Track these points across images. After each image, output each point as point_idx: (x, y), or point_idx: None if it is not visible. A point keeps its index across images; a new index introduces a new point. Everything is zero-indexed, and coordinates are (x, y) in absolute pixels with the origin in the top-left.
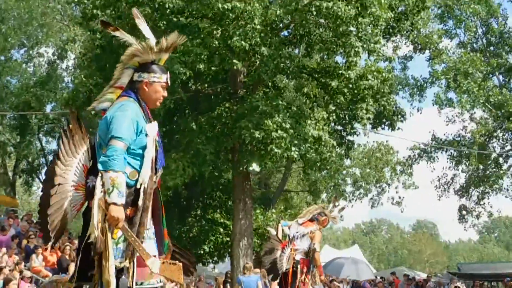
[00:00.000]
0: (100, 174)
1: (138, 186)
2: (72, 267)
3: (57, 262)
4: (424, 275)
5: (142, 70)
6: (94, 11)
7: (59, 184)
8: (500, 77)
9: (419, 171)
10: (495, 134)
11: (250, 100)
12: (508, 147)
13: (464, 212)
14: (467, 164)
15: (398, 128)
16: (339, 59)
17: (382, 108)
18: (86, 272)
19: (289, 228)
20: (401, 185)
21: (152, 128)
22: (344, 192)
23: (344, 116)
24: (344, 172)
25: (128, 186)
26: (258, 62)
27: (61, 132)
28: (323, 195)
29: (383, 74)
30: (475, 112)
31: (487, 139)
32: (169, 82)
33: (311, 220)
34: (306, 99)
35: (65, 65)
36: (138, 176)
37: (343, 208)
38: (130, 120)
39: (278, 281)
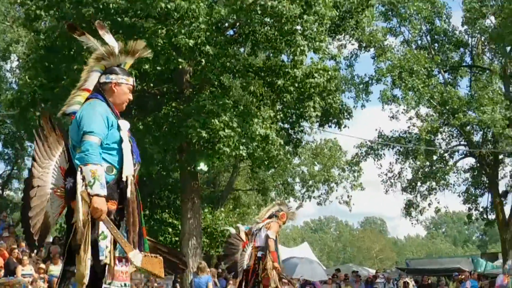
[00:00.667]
0: (79, 169)
1: (124, 179)
2: (19, 270)
3: (4, 265)
4: (373, 271)
5: (109, 73)
6: (38, 11)
7: (38, 186)
8: (445, 74)
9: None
10: (440, 130)
11: (196, 99)
12: (454, 143)
13: (410, 208)
14: (413, 160)
15: (345, 126)
16: (285, 57)
17: (329, 106)
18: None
19: (250, 229)
20: (349, 185)
21: (125, 123)
22: (293, 190)
23: (291, 114)
24: (293, 170)
25: (106, 181)
26: (204, 61)
27: (34, 133)
28: (272, 193)
29: (329, 72)
30: (420, 109)
31: (433, 136)
32: (134, 84)
33: (269, 217)
34: (252, 98)
35: (9, 66)
36: (116, 171)
37: (301, 205)
38: (100, 116)
39: (240, 278)
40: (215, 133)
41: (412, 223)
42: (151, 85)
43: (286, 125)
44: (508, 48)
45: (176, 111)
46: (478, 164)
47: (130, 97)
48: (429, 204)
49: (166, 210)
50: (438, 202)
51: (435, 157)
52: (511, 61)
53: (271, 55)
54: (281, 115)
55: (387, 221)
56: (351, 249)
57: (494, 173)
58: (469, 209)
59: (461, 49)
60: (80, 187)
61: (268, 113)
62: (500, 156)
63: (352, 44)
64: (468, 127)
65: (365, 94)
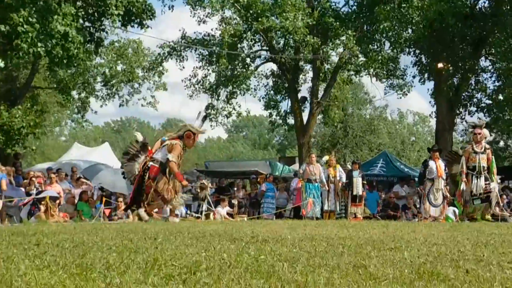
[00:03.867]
0: None
1: None
2: None
3: None
4: None
5: None
6: None
7: None
8: None
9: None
10: (244, 35)
11: None
12: (256, 48)
13: (212, 111)
14: (216, 64)
15: (148, 27)
16: None
17: (131, 5)
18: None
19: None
20: (152, 86)
21: None
22: (94, 90)
23: (93, 12)
24: (94, 70)
25: None
26: None
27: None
28: (74, 93)
29: None
30: (224, 13)
31: (237, 40)
32: None
33: (178, 137)
34: None
35: None
36: None
37: (205, 117)
38: None
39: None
40: (14, 28)
41: (211, 126)
42: None
43: (87, 23)
44: None
45: None
46: (279, 70)
47: None
48: (234, 109)
49: None
50: (240, 106)
51: (237, 62)
52: None
53: None
54: (82, 13)
55: (188, 122)
56: None
57: (294, 79)
58: (270, 114)
59: None
60: None
61: (69, 9)
62: (301, 63)
63: None
64: (270, 34)
65: None
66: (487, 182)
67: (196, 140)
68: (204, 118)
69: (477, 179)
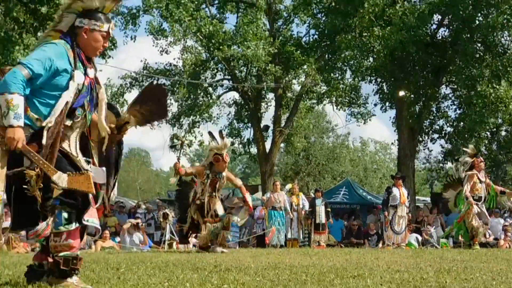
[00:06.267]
0: None
1: (43, 124)
2: None
3: None
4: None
5: (84, 16)
6: None
7: None
8: (213, 8)
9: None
10: (207, 64)
11: None
12: (219, 77)
13: (175, 141)
14: (178, 93)
15: (109, 57)
16: None
17: None
18: None
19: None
20: None
21: (79, 76)
22: None
23: None
24: None
25: (32, 128)
26: None
27: None
28: None
29: None
30: (186, 42)
31: (200, 69)
32: (111, 32)
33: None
34: (14, 24)
35: None
36: (42, 123)
37: (220, 132)
38: (45, 57)
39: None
40: None
41: (176, 155)
42: None
43: None
44: None
45: None
46: (241, 99)
47: (105, 44)
48: (195, 137)
49: None
50: (202, 135)
51: (199, 91)
52: None
53: None
54: None
55: (151, 152)
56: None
57: (256, 107)
58: (232, 143)
59: None
60: None
61: (31, 40)
62: (263, 92)
63: None
64: (233, 63)
65: (133, 25)
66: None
67: (226, 159)
68: (220, 133)
69: (480, 209)
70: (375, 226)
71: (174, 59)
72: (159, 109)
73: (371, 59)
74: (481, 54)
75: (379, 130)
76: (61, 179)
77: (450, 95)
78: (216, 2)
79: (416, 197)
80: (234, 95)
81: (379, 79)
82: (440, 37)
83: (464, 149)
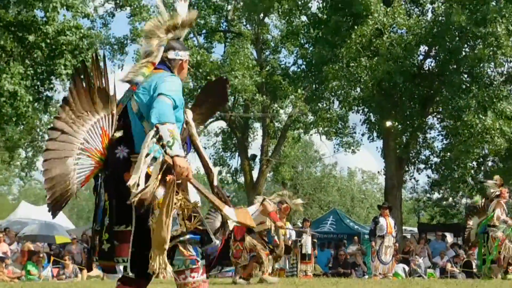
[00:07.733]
0: (155, 129)
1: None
2: None
3: None
4: None
5: (176, 48)
6: None
7: (62, 131)
8: (200, 38)
9: None
10: (194, 93)
11: None
12: None
13: None
14: None
15: None
16: (38, 13)
17: (80, 64)
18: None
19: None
20: None
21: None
22: (41, 149)
23: (41, 71)
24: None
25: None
26: None
27: (74, 73)
28: (20, 150)
29: (82, 30)
30: None
31: (187, 98)
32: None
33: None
34: (1, 52)
35: None
36: None
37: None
38: (179, 86)
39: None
40: None
41: None
42: None
43: (36, 82)
44: (262, 16)
45: None
46: (229, 128)
47: None
48: None
49: None
50: (189, 164)
51: None
52: (263, 28)
53: (23, 10)
54: (31, 72)
55: None
56: None
57: (244, 137)
58: (220, 172)
59: (217, 14)
60: (146, 150)
61: (18, 69)
62: (250, 121)
63: (110, 3)
64: None
65: (120, 54)
66: None
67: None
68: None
69: None
70: (360, 257)
71: None
72: (220, 98)
73: (358, 89)
74: (468, 85)
75: (366, 159)
76: (230, 212)
77: (437, 126)
78: (204, 31)
79: (403, 227)
80: (221, 124)
81: (366, 109)
82: (427, 68)
83: (489, 181)
